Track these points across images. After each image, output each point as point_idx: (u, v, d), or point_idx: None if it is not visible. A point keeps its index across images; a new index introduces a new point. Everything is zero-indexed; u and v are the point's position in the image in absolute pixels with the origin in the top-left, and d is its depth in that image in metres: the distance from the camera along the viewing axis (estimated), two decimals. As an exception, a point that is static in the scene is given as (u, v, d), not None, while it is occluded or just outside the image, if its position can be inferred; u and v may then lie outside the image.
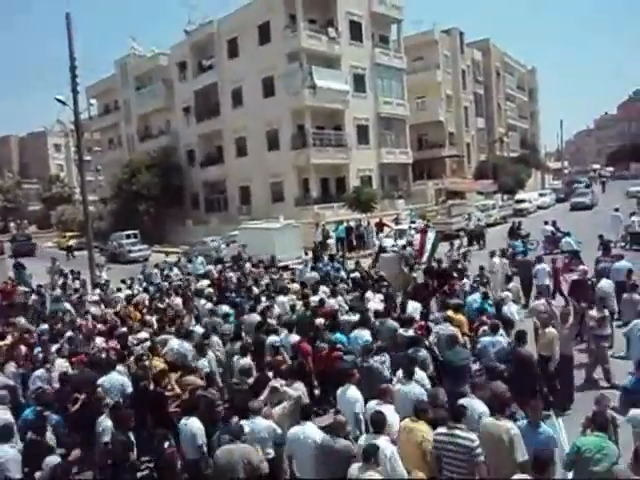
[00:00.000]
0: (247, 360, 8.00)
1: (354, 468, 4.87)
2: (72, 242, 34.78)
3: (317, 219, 29.07)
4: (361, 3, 36.13)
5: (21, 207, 65.22)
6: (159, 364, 8.00)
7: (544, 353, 8.07)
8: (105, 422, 6.31)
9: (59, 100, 18.77)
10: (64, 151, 77.83)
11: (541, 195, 43.71)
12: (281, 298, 11.80)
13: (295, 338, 8.81)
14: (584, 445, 4.85)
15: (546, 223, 20.79)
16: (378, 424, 5.27)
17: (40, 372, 8.25)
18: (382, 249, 20.62)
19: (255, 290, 13.54)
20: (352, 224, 27.69)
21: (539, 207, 38.94)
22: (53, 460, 5.47)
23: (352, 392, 6.43)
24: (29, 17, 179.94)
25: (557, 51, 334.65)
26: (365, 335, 8.49)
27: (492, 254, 14.92)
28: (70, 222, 46.05)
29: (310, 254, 20.44)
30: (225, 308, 11.35)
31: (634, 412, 5.53)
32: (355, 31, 35.66)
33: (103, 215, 43.07)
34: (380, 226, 27.70)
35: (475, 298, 10.43)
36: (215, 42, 37.92)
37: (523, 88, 70.45)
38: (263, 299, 11.90)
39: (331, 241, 25.37)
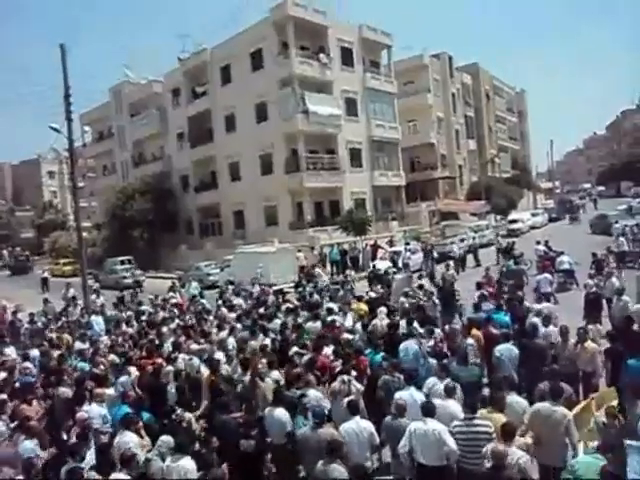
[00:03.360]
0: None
1: None
2: (46, 274, 34.18)
3: (312, 242, 29.11)
4: (351, 30, 36.87)
5: (14, 234, 64.98)
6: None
7: (586, 369, 7.85)
8: None
9: (53, 128, 18.85)
10: (58, 178, 77.96)
11: (533, 215, 43.98)
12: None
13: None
14: (579, 465, 4.88)
15: (538, 243, 20.95)
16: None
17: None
18: (376, 271, 20.64)
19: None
20: (346, 247, 27.74)
21: (532, 227, 39.17)
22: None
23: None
24: (24, 47, 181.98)
25: (546, 73, 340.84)
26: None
27: (487, 269, 15.45)
28: (64, 249, 45.83)
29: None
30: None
31: None
32: (346, 57, 36.29)
33: (97, 241, 42.93)
34: (375, 248, 27.77)
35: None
36: (208, 69, 38.45)
37: (513, 110, 71.58)
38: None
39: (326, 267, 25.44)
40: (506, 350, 8.04)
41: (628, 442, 4.84)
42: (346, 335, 9.74)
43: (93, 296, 20.40)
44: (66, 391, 8.44)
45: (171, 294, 19.99)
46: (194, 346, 10.29)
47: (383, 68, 40.60)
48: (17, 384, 9.28)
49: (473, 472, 5.43)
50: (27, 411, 7.52)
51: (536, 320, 9.29)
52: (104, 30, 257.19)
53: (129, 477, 5.46)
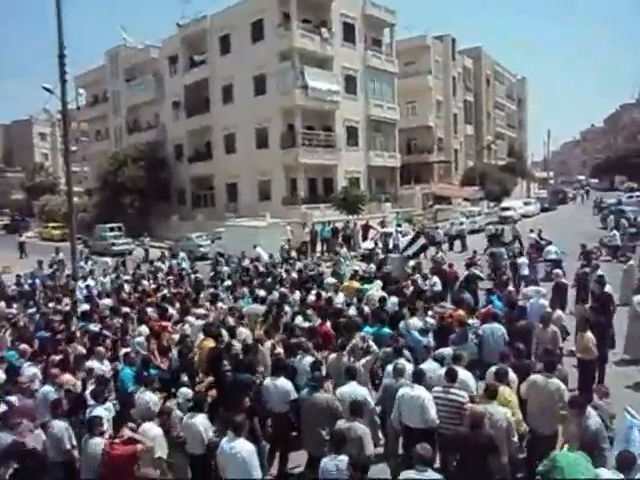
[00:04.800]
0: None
1: None
2: (23, 238, 33.78)
3: (304, 219, 29.07)
4: (355, 5, 36.23)
5: (4, 195, 64.17)
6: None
7: (584, 357, 8.24)
8: None
9: (46, 89, 18.44)
10: (50, 140, 76.76)
11: (526, 204, 44.10)
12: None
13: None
14: (562, 461, 4.85)
15: (531, 231, 21.16)
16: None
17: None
18: (365, 252, 20.79)
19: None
20: (338, 225, 27.73)
21: (524, 215, 39.31)
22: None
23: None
24: (18, 3, 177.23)
25: (547, 62, 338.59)
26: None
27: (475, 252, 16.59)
28: (53, 212, 45.39)
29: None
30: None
31: None
32: (348, 33, 35.73)
33: (87, 207, 42.55)
34: (366, 229, 27.78)
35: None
36: (207, 37, 37.73)
37: (512, 97, 71.16)
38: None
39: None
40: (489, 329, 8.29)
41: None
42: (351, 311, 10.02)
43: (82, 262, 20.35)
44: (80, 349, 8.65)
45: (159, 263, 20.06)
46: (200, 310, 10.60)
47: (385, 47, 40.08)
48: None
49: (451, 435, 5.72)
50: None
51: (522, 302, 9.83)
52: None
53: (160, 428, 5.73)
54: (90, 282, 16.28)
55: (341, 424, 5.57)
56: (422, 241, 17.26)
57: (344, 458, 4.93)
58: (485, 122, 58.93)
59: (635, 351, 10.17)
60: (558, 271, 13.13)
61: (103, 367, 7.77)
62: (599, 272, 13.01)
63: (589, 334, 8.33)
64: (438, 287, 12.65)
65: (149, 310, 11.04)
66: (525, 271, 15.40)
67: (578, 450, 4.92)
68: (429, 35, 47.11)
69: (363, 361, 7.46)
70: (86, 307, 12.05)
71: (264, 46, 33.48)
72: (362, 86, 36.90)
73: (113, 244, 31.25)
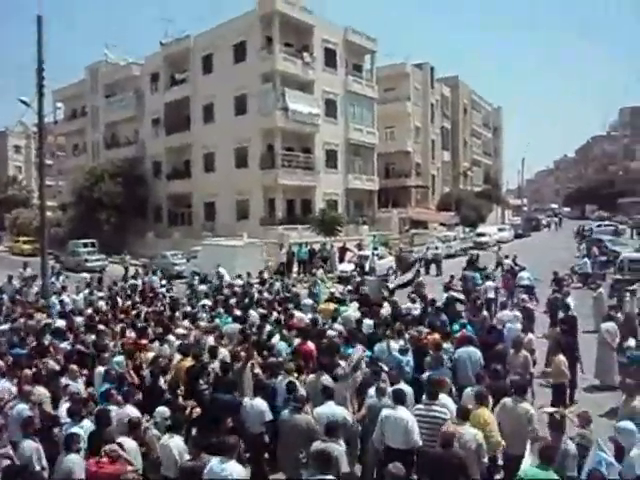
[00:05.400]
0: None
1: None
2: None
3: (282, 239, 29.03)
4: (337, 32, 36.96)
5: (-26, 207, 62.61)
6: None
7: (557, 380, 8.48)
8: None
9: (23, 101, 18.26)
10: (24, 153, 75.47)
11: (500, 230, 44.88)
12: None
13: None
14: (527, 475, 5.06)
15: (506, 257, 21.54)
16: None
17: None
18: (342, 274, 20.81)
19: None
20: (316, 247, 27.75)
21: (498, 241, 39.98)
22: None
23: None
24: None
25: (522, 92, 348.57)
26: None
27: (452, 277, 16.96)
28: (25, 226, 44.44)
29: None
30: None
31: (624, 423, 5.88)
32: (329, 58, 36.34)
33: (61, 222, 41.81)
34: (343, 251, 27.85)
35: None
36: (190, 57, 37.92)
37: (489, 125, 72.97)
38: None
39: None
40: (466, 352, 8.40)
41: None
42: (330, 332, 9.97)
43: (53, 278, 19.88)
44: (53, 364, 8.50)
45: (133, 281, 19.74)
46: (180, 330, 10.52)
47: (365, 72, 40.82)
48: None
49: (429, 453, 5.82)
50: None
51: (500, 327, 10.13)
52: (85, 6, 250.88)
53: (134, 442, 5.72)
54: (65, 298, 15.89)
55: (317, 445, 5.51)
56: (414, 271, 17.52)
57: (331, 478, 4.87)
58: (462, 149, 60.16)
59: (604, 376, 10.36)
60: (524, 296, 13.51)
61: (78, 385, 7.60)
62: (570, 298, 13.27)
63: (561, 357, 8.58)
64: (417, 311, 12.71)
65: (122, 328, 10.85)
66: (491, 294, 15.77)
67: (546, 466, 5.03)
68: (409, 63, 48.16)
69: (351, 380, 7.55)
70: (61, 323, 11.76)
71: (246, 67, 33.76)
72: (342, 110, 37.41)
73: (86, 260, 30.67)
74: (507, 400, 6.50)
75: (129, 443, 5.65)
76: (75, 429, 5.87)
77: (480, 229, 42.66)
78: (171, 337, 9.92)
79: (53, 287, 18.25)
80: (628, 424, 5.84)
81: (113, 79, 45.42)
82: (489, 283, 16.62)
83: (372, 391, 6.88)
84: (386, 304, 12.89)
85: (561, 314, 11.62)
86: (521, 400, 6.44)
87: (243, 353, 8.49)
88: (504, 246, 35.58)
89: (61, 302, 15.35)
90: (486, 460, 5.74)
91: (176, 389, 7.57)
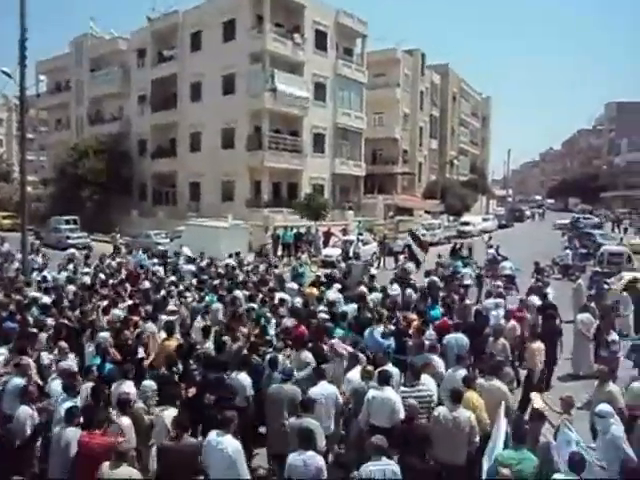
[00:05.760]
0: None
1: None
2: None
3: (267, 222, 28.94)
4: (328, 14, 36.49)
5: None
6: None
7: (531, 366, 8.67)
8: None
9: (4, 72, 17.82)
10: (5, 126, 73.91)
11: (484, 220, 45.31)
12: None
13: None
14: (505, 458, 5.15)
15: (490, 247, 21.76)
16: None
17: None
18: (327, 258, 20.85)
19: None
20: (302, 230, 27.73)
21: (482, 231, 40.32)
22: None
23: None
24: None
25: (512, 83, 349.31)
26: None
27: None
28: (5, 201, 43.60)
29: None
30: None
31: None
32: (320, 40, 35.92)
33: (42, 197, 41.14)
34: (328, 235, 27.87)
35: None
36: (178, 33, 37.22)
37: (477, 115, 73.05)
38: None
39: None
40: (454, 339, 8.63)
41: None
42: (322, 314, 10.09)
43: (32, 255, 19.55)
44: (42, 335, 8.57)
45: (119, 259, 19.53)
46: (170, 307, 10.55)
47: (356, 57, 40.46)
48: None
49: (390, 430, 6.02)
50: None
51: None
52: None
53: (129, 419, 5.75)
54: (46, 275, 15.64)
55: (294, 421, 5.73)
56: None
57: (312, 454, 5.02)
58: (449, 137, 60.24)
59: (580, 367, 10.57)
60: (499, 283, 14.02)
61: (68, 362, 7.58)
62: (549, 288, 13.47)
63: (537, 344, 8.79)
64: (397, 292, 12.93)
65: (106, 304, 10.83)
66: (468, 281, 16.28)
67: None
68: (400, 49, 47.84)
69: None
70: (45, 299, 11.64)
71: (235, 46, 33.25)
72: (331, 94, 37.13)
73: (68, 237, 30.19)
74: (481, 380, 6.80)
75: (125, 421, 5.72)
76: (68, 404, 5.86)
77: (464, 218, 42.96)
78: (162, 316, 9.90)
79: (33, 264, 17.96)
80: (606, 406, 5.98)
81: (99, 53, 44.45)
82: (465, 270, 17.18)
83: (352, 374, 7.01)
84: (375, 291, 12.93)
85: (538, 301, 11.80)
86: (492, 379, 6.73)
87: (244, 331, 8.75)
88: (487, 235, 35.93)
89: (43, 278, 15.12)
90: (477, 440, 5.86)
91: (171, 367, 7.56)
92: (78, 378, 6.80)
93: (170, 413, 5.80)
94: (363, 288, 12.69)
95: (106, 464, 4.88)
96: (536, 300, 11.84)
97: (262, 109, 32.29)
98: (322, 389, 6.50)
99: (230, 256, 19.20)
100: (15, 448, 5.83)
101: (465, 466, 5.78)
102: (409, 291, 13.02)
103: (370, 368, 6.88)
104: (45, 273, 15.97)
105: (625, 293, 13.87)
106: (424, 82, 52.48)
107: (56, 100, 49.49)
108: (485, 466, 5.45)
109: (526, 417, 6.65)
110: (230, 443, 5.17)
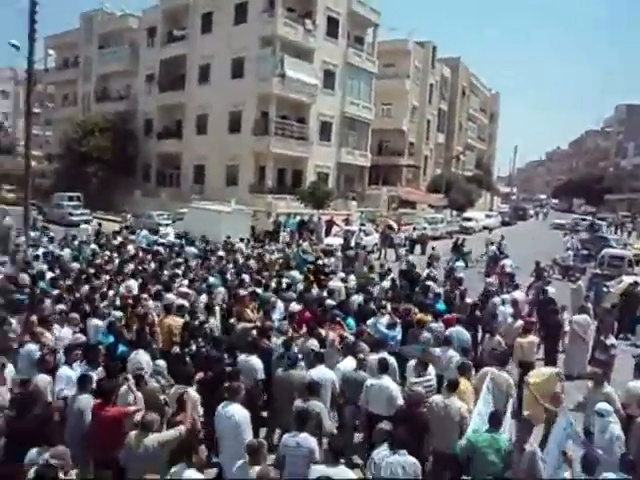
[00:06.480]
0: None
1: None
2: None
3: (270, 208, 28.93)
4: (341, 1, 36.14)
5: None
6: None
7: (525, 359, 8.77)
8: None
9: (13, 45, 17.75)
10: (12, 99, 73.60)
11: (488, 216, 45.21)
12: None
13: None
14: (477, 441, 5.42)
15: (492, 244, 21.75)
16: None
17: None
18: (328, 247, 20.87)
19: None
20: (306, 218, 27.71)
21: (485, 227, 40.29)
22: None
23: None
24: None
25: (521, 81, 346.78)
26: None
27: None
28: (9, 175, 43.53)
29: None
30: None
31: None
32: (332, 27, 35.61)
33: (46, 173, 41.13)
34: (330, 224, 27.86)
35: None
36: (190, 13, 36.95)
37: (485, 111, 72.63)
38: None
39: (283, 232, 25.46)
40: (455, 332, 8.71)
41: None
42: (329, 301, 10.26)
43: (38, 233, 19.58)
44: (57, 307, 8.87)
45: (120, 239, 19.53)
46: (183, 289, 10.67)
47: (367, 46, 40.15)
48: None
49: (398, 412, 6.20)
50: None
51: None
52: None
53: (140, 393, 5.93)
54: (54, 250, 15.74)
55: (298, 403, 5.84)
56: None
57: (304, 435, 5.14)
58: (457, 132, 59.91)
59: (573, 368, 10.59)
60: (491, 280, 14.34)
61: (78, 334, 7.81)
62: (550, 287, 13.53)
63: (530, 338, 8.97)
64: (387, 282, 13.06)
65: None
66: (461, 274, 16.15)
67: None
68: (411, 40, 47.42)
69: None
70: (50, 274, 11.77)
71: (246, 29, 32.99)
72: (340, 82, 36.89)
73: (70, 214, 30.25)
74: (493, 370, 6.92)
75: (138, 394, 5.92)
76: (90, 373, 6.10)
77: (468, 214, 42.86)
78: (170, 295, 10.01)
79: (39, 241, 17.95)
80: (606, 404, 6.05)
81: (108, 29, 44.21)
82: (459, 264, 17.50)
83: (344, 363, 7.12)
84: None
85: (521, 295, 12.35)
86: (502, 369, 6.97)
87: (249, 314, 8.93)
88: (492, 232, 35.92)
89: (47, 254, 15.15)
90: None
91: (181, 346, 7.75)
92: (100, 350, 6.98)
93: (189, 393, 5.87)
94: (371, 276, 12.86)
95: (132, 434, 5.05)
96: (519, 295, 12.16)
97: (270, 94, 32.11)
98: (320, 373, 6.61)
99: (242, 240, 19.63)
100: (35, 415, 5.61)
101: (456, 455, 5.82)
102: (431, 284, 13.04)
103: (362, 356, 6.98)
104: (51, 248, 16.06)
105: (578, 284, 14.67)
106: (434, 75, 52.09)
107: (64, 76, 49.32)
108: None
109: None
110: (237, 411, 5.41)
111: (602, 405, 6.03)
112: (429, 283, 12.93)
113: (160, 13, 38.87)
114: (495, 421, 5.53)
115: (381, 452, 4.98)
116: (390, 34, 45.30)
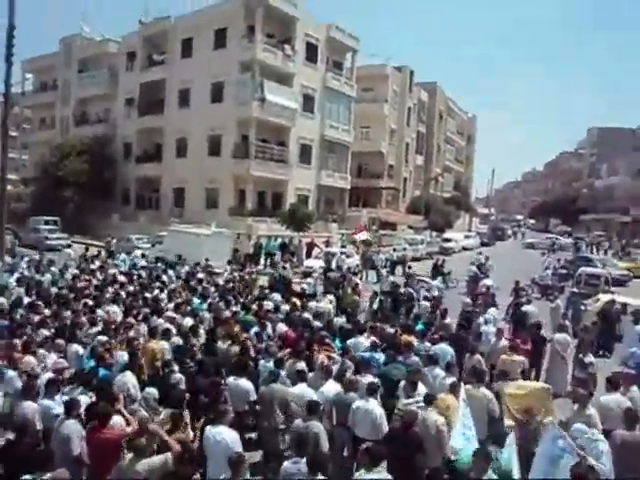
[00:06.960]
0: None
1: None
2: None
3: (250, 231, 28.83)
4: (320, 27, 36.86)
5: None
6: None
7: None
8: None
9: (-10, 68, 17.61)
10: (-11, 123, 72.76)
11: (467, 237, 45.71)
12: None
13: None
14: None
15: (472, 264, 21.91)
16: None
17: None
18: (308, 270, 20.83)
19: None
20: (286, 240, 27.65)
21: (464, 248, 40.66)
22: None
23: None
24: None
25: (500, 104, 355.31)
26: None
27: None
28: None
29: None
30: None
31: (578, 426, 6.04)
32: (311, 53, 36.21)
33: (23, 197, 40.53)
34: (311, 246, 27.83)
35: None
36: (169, 38, 37.20)
37: (462, 133, 74.00)
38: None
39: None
40: (440, 349, 8.88)
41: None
42: (317, 322, 10.27)
43: (17, 258, 19.18)
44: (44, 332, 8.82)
45: (99, 263, 19.20)
46: (170, 313, 10.60)
47: (345, 70, 40.85)
48: None
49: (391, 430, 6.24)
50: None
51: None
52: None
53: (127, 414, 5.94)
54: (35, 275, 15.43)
55: (299, 423, 5.84)
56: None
57: (304, 461, 5.05)
58: (435, 154, 60.87)
59: (554, 386, 10.59)
60: (467, 301, 14.41)
61: (61, 359, 7.69)
62: (531, 306, 13.67)
63: (515, 357, 8.97)
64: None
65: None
66: (435, 292, 16.34)
67: None
68: (389, 65, 48.38)
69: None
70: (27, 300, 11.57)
71: (226, 54, 33.31)
72: (319, 106, 37.35)
73: (47, 238, 29.67)
74: (468, 387, 7.03)
75: (129, 416, 5.96)
76: (81, 397, 6.13)
77: (447, 235, 43.28)
78: (159, 319, 9.96)
79: (17, 267, 17.53)
80: (582, 426, 6.01)
81: (87, 54, 44.23)
82: (435, 282, 17.75)
83: (326, 387, 6.95)
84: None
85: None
86: (481, 386, 7.04)
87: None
88: (468, 254, 36.28)
89: (23, 279, 14.78)
90: (449, 447, 5.90)
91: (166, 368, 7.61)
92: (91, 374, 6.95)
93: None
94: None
95: (127, 457, 4.99)
96: (494, 312, 12.41)
97: (250, 118, 32.30)
98: (300, 391, 6.67)
99: (229, 263, 19.83)
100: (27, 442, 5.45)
101: (440, 469, 5.78)
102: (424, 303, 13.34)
103: (353, 378, 6.94)
104: (26, 273, 15.74)
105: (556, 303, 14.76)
106: (412, 99, 53.05)
107: (42, 99, 49.00)
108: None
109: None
110: (227, 434, 5.42)
111: (578, 425, 6.02)
112: (423, 302, 13.30)
113: (140, 38, 39.06)
114: (481, 456, 5.18)
115: (362, 474, 4.95)
116: (370, 60, 46.26)
